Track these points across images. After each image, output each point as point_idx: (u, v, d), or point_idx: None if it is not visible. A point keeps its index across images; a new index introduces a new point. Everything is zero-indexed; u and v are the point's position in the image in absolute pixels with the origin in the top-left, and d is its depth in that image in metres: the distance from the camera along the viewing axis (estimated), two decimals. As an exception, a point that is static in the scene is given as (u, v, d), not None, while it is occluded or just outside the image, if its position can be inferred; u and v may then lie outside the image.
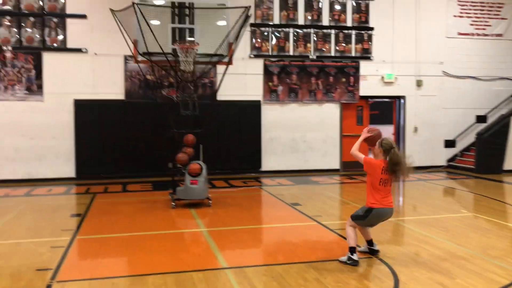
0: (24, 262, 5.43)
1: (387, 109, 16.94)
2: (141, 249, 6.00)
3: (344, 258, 5.35)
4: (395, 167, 5.20)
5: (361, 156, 5.34)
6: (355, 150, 5.40)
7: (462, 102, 14.43)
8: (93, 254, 5.86)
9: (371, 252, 5.64)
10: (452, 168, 14.18)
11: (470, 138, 14.36)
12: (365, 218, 5.36)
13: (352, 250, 5.31)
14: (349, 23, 13.64)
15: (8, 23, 11.72)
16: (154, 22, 9.02)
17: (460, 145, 14.51)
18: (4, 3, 11.66)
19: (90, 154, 12.04)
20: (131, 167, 12.32)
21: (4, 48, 11.64)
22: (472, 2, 14.37)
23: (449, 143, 14.40)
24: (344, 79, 13.59)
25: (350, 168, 13.67)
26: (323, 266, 5.23)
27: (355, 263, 5.24)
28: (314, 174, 13.06)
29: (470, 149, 14.22)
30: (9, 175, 11.64)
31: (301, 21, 13.35)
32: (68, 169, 12.04)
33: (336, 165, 13.68)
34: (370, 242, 5.66)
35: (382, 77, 13.86)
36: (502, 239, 6.43)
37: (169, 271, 5.09)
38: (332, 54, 13.57)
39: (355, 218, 5.45)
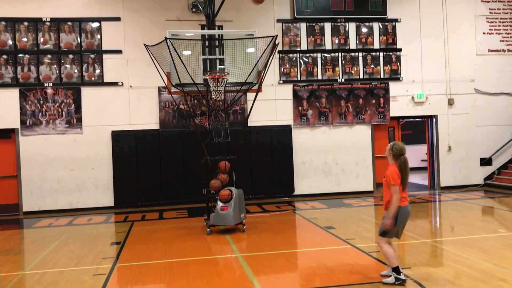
0: (69, 290, 5.68)
1: (419, 128, 16.85)
2: (179, 275, 6.17)
3: (389, 280, 5.40)
4: (401, 173, 5.33)
5: (397, 195, 5.30)
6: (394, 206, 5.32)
7: (496, 119, 14.20)
8: (133, 281, 6.06)
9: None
10: (489, 186, 13.87)
11: (508, 155, 14.07)
12: (394, 223, 5.33)
13: (397, 270, 5.36)
14: (376, 45, 13.75)
15: (49, 61, 12.39)
16: (186, 53, 9.39)
17: (497, 163, 14.21)
18: (45, 43, 12.36)
19: (127, 183, 12.43)
20: (167, 195, 12.63)
21: (46, 84, 12.29)
22: (501, 18, 14.28)
23: (485, 161, 14.13)
24: (374, 101, 13.64)
25: (384, 190, 13.64)
26: (358, 289, 5.25)
27: (403, 283, 5.32)
28: (347, 196, 13.03)
29: (507, 166, 13.92)
30: (52, 205, 12.14)
31: (328, 46, 13.55)
32: (107, 198, 12.45)
33: (369, 187, 13.61)
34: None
35: (413, 97, 13.83)
36: (542, 259, 6.28)
37: (207, 296, 5.24)
38: (361, 76, 13.67)
39: (385, 230, 5.41)
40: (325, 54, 13.54)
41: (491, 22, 14.22)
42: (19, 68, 12.23)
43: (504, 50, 14.28)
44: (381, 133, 13.94)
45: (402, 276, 5.35)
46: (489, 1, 14.23)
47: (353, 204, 11.84)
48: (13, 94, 12.14)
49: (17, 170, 12.12)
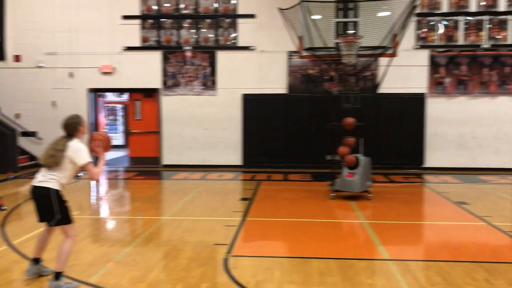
0: (204, 237, 6.16)
1: None
2: (304, 234, 6.33)
3: None
4: None
5: None
6: None
7: None
8: (261, 235, 6.37)
9: None
10: None
11: None
12: None
13: None
14: (531, 7, 12.24)
15: (188, 25, 13.15)
16: (317, 17, 9.28)
17: None
18: (186, 8, 13.11)
19: (255, 144, 12.93)
20: (291, 158, 12.89)
21: (185, 48, 13.11)
22: None
23: None
24: (523, 70, 12.27)
25: (527, 168, 12.39)
26: (493, 268, 4.92)
27: None
28: (484, 172, 12.06)
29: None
30: (187, 161, 13.15)
31: (473, 8, 12.39)
32: (236, 157, 13.10)
33: (510, 163, 12.43)
34: None
35: None
36: None
37: (332, 257, 5.32)
38: (510, 42, 12.31)
39: None
40: (469, 17, 12.41)
41: None
42: (162, 32, 13.18)
43: None
44: (529, 106, 12.53)
45: None
46: None
47: (490, 180, 10.95)
48: (157, 56, 13.16)
49: (159, 127, 13.28)
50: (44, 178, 4.31)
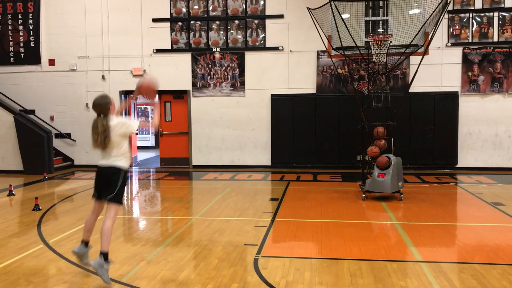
0: (234, 237, 6.19)
1: None
2: (334, 235, 6.29)
3: None
4: None
5: None
6: None
7: None
8: (291, 236, 6.35)
9: None
10: None
11: None
12: None
13: None
14: None
15: (217, 27, 13.24)
16: (345, 16, 9.20)
17: None
18: (214, 9, 13.21)
19: (284, 145, 12.92)
20: (321, 158, 12.82)
21: (214, 49, 13.21)
22: None
23: None
24: (562, 66, 11.84)
25: None
26: (533, 271, 4.77)
27: None
28: (521, 173, 11.73)
29: None
30: (216, 161, 13.25)
31: (508, 4, 12.05)
32: (265, 158, 13.12)
33: (548, 164, 12.05)
34: None
35: None
36: None
37: (363, 258, 5.26)
38: (547, 37, 11.94)
39: None
40: (504, 13, 12.08)
41: None
42: (191, 34, 13.31)
43: None
44: None
45: None
46: None
47: (527, 181, 10.63)
48: (186, 58, 13.31)
49: (189, 127, 13.42)
50: (112, 159, 4.56)
